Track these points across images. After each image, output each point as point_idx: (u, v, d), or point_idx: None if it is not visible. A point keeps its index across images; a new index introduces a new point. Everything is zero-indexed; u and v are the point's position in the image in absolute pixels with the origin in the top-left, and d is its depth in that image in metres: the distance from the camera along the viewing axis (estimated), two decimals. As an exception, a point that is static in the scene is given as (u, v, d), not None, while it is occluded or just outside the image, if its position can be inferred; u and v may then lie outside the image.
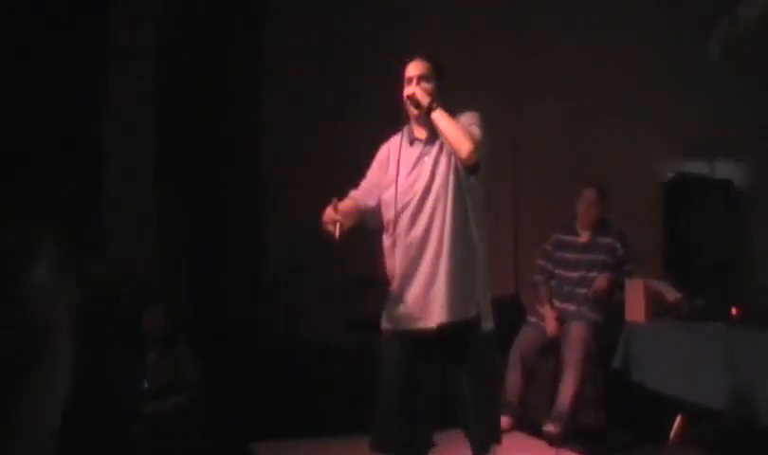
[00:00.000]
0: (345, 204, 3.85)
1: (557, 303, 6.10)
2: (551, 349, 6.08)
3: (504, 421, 5.91)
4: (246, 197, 7.08)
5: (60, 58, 6.41)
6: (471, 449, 3.88)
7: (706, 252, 7.03)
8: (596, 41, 7.38)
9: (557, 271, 6.16)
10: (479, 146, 3.68)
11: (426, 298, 3.75)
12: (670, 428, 5.30)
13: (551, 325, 6.03)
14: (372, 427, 3.96)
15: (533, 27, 7.45)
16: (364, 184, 4.04)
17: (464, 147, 3.65)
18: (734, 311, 4.89)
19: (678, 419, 5.29)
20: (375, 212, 3.98)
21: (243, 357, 6.72)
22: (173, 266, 6.89)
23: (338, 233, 3.70)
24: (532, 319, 6.20)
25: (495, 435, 3.89)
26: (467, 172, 3.75)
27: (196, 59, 7.03)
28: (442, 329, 3.74)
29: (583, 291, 6.00)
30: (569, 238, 6.16)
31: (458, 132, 3.67)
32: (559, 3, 7.49)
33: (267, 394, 6.39)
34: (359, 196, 4.00)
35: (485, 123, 3.80)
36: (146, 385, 5.68)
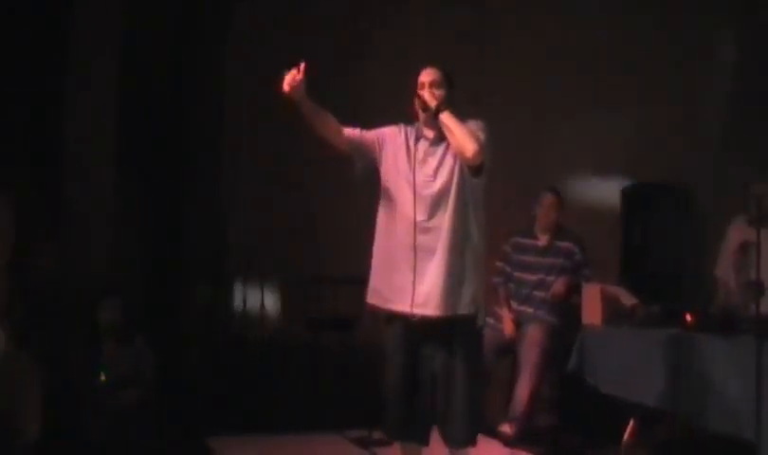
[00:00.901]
0: (317, 106, 4.01)
1: (514, 305, 6.16)
2: (508, 350, 6.13)
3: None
4: (205, 195, 7.06)
5: (21, 54, 6.36)
6: (448, 446, 3.95)
7: (663, 259, 7.13)
8: (555, 45, 7.45)
9: (515, 274, 6.22)
10: (483, 147, 3.85)
11: (422, 289, 3.86)
12: (623, 431, 5.37)
13: (508, 327, 6.09)
14: (383, 415, 4.04)
15: (492, 30, 7.49)
16: (366, 132, 4.11)
17: (469, 147, 3.81)
18: (688, 318, 4.97)
19: (631, 422, 5.37)
20: (348, 145, 4.05)
21: (199, 353, 6.70)
22: (131, 262, 6.85)
23: (287, 85, 3.92)
24: (490, 321, 6.22)
25: (474, 436, 3.96)
26: (471, 172, 3.90)
27: (158, 58, 6.99)
28: (438, 321, 3.86)
29: (541, 294, 6.07)
30: (528, 241, 6.22)
31: (464, 133, 3.84)
32: (520, 7, 7.55)
33: (223, 390, 6.38)
34: (357, 135, 4.08)
35: (489, 132, 3.97)
36: (102, 378, 5.65)
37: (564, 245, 6.14)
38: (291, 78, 3.97)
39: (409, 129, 4.08)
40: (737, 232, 5.55)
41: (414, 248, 3.87)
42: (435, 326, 3.87)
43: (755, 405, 4.08)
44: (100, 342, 5.75)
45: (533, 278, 6.13)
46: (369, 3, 7.30)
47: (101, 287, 6.06)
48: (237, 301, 6.99)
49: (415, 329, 3.91)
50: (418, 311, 3.87)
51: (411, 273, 3.88)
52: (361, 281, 6.52)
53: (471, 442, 3.96)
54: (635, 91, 7.42)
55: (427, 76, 4.07)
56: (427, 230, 3.88)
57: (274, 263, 6.88)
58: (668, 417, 5.16)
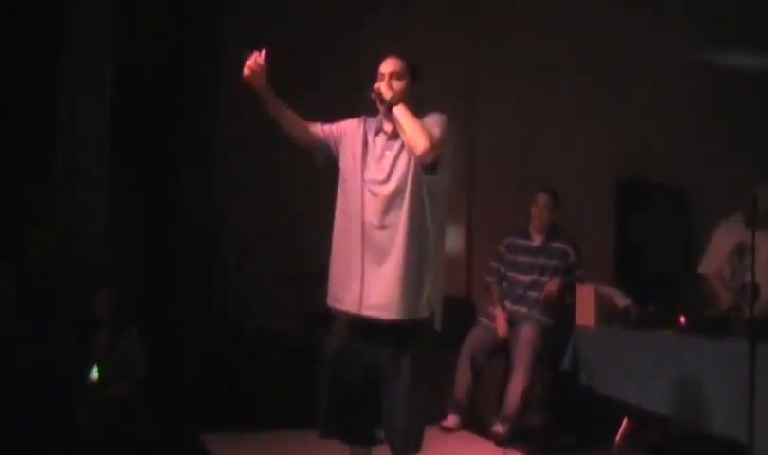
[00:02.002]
0: (279, 101, 3.93)
1: (508, 305, 6.16)
2: (501, 350, 6.13)
3: (453, 420, 5.98)
4: (200, 189, 7.04)
5: (17, 49, 6.35)
6: (391, 452, 3.83)
7: (657, 260, 7.15)
8: (551, 43, 7.46)
9: (509, 273, 6.22)
10: (436, 146, 3.65)
11: (372, 288, 3.71)
12: (616, 432, 5.38)
13: (501, 326, 6.09)
14: (319, 414, 3.91)
15: (487, 28, 7.49)
16: (327, 125, 4.00)
17: (419, 144, 3.62)
18: (682, 319, 4.97)
19: (623, 422, 5.37)
20: (312, 140, 3.97)
21: (192, 347, 6.69)
22: (125, 253, 6.84)
23: (248, 69, 3.85)
24: (483, 320, 6.25)
25: (417, 444, 3.82)
26: (424, 170, 3.72)
27: (154, 44, 6.98)
28: (389, 323, 3.71)
29: (535, 294, 6.07)
30: (522, 241, 6.22)
31: (416, 128, 3.65)
32: (515, 4, 7.55)
33: (216, 385, 6.37)
34: (310, 122, 3.99)
35: (450, 127, 3.78)
36: (94, 371, 5.63)
37: (558, 245, 6.14)
38: (253, 62, 3.84)
39: (369, 122, 3.93)
40: (731, 232, 5.54)
41: (363, 248, 3.73)
42: (383, 329, 3.71)
43: (747, 406, 4.08)
44: (92, 334, 5.74)
45: (526, 278, 6.13)
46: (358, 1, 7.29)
47: (95, 279, 6.04)
48: (232, 296, 6.97)
49: (360, 331, 3.76)
50: (368, 313, 3.70)
51: (362, 274, 3.72)
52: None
53: (414, 450, 3.81)
54: (631, 91, 7.44)
55: (387, 66, 3.89)
56: (381, 229, 3.72)
57: (269, 257, 6.87)
58: (661, 418, 5.16)
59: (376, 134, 3.89)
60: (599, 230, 7.26)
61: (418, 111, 3.77)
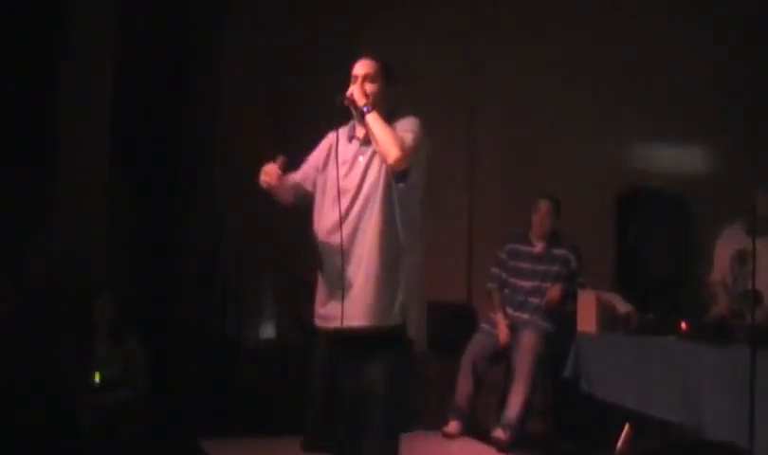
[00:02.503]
0: (287, 177, 3.86)
1: (509, 311, 6.16)
2: (502, 356, 6.13)
3: (453, 426, 5.98)
4: (200, 195, 7.04)
5: (16, 49, 6.35)
6: None
7: (657, 266, 7.15)
8: (551, 48, 7.46)
9: (510, 280, 6.22)
10: (408, 154, 3.61)
11: (347, 298, 3.65)
12: (617, 438, 5.37)
13: (503, 333, 6.09)
14: (303, 426, 3.89)
15: (488, 32, 7.49)
16: (304, 167, 3.98)
17: (390, 154, 3.59)
18: (683, 325, 4.97)
19: (625, 429, 5.36)
20: (308, 197, 3.94)
21: (192, 353, 6.68)
22: (125, 260, 6.84)
23: (265, 179, 3.78)
24: (485, 326, 6.25)
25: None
26: (394, 178, 3.67)
27: (154, 44, 6.98)
28: (361, 332, 3.66)
29: (536, 300, 6.07)
30: (523, 248, 6.22)
31: (388, 138, 3.61)
32: (515, 9, 7.55)
33: (216, 392, 6.36)
34: (299, 179, 3.96)
35: (423, 130, 3.73)
36: (94, 378, 5.63)
37: (560, 251, 6.15)
38: (271, 172, 3.78)
39: (341, 130, 3.89)
40: (732, 239, 5.55)
41: (341, 260, 3.66)
42: (358, 338, 3.66)
43: (748, 413, 4.08)
44: (92, 341, 5.74)
45: (528, 284, 6.13)
46: (359, 4, 7.29)
47: (94, 286, 6.05)
48: (232, 302, 6.97)
49: (339, 344, 3.72)
50: (346, 323, 3.65)
51: (340, 283, 3.67)
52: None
53: None
54: (632, 97, 7.44)
55: (360, 68, 3.84)
56: (353, 236, 3.67)
57: (270, 264, 6.87)
58: (662, 425, 5.16)
59: (349, 140, 3.84)
60: (600, 237, 7.25)
61: (401, 113, 3.75)
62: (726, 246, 5.62)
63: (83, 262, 6.25)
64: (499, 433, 5.73)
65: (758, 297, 4.67)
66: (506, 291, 6.23)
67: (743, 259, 5.40)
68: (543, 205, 6.21)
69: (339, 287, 3.67)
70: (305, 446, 3.90)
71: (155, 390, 5.81)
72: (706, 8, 7.63)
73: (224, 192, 6.97)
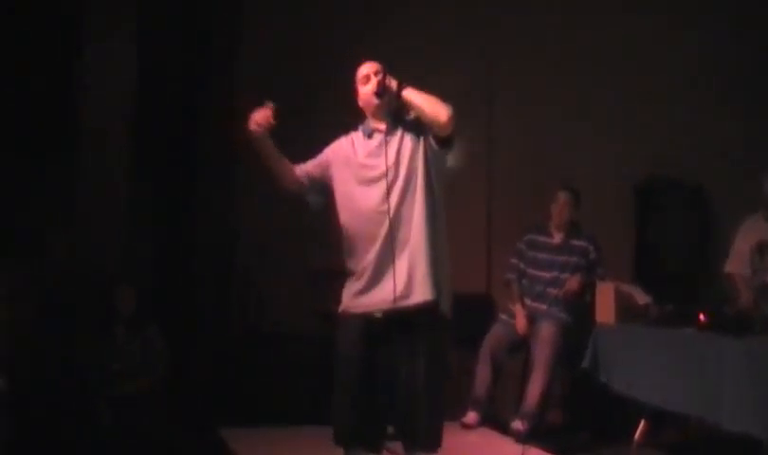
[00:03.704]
0: (275, 150, 3.96)
1: (528, 302, 6.15)
2: (521, 347, 6.13)
3: (472, 417, 5.98)
4: (219, 184, 7.06)
5: (34, 40, 6.39)
6: (405, 450, 3.83)
7: (677, 258, 7.12)
8: (569, 42, 7.44)
9: (529, 270, 6.21)
10: (453, 114, 3.75)
11: (396, 279, 3.74)
12: (634, 430, 5.36)
13: (521, 323, 6.08)
14: (332, 418, 3.92)
15: (505, 28, 7.47)
16: (314, 161, 4.10)
17: (441, 114, 3.73)
18: (702, 317, 4.95)
19: (642, 421, 5.36)
20: (302, 184, 4.07)
21: (211, 343, 6.71)
22: (145, 251, 6.87)
23: (256, 125, 3.86)
24: (503, 317, 6.25)
25: (437, 442, 3.83)
26: (441, 145, 3.81)
27: (173, 50, 7.00)
28: (413, 309, 3.74)
29: (555, 291, 6.06)
30: (542, 239, 6.21)
31: (433, 102, 3.76)
32: (532, 5, 7.53)
33: (235, 381, 6.39)
34: (311, 169, 4.07)
35: None
36: (114, 366, 5.67)
37: (579, 243, 6.14)
38: (262, 118, 3.87)
39: (355, 133, 4.01)
40: (752, 230, 5.52)
41: (382, 244, 3.77)
42: (398, 322, 3.75)
43: (766, 405, 4.07)
44: (112, 330, 5.78)
45: (547, 275, 6.12)
46: (374, 4, 7.29)
47: (114, 276, 6.09)
48: (250, 293, 7.00)
49: (376, 326, 3.80)
50: (399, 303, 3.74)
51: (385, 266, 3.77)
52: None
53: (435, 448, 3.82)
54: (649, 89, 7.40)
55: (369, 68, 4.00)
56: (396, 217, 3.76)
57: (288, 255, 6.89)
58: (680, 417, 5.14)
59: (369, 137, 3.93)
60: (619, 228, 7.23)
61: None
62: (747, 238, 5.59)
63: (102, 256, 6.29)
64: (517, 424, 5.73)
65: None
66: (525, 282, 6.22)
67: (763, 250, 5.38)
68: (562, 196, 6.20)
69: (385, 271, 3.77)
70: (340, 439, 3.92)
71: (173, 378, 5.85)
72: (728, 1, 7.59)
73: (241, 186, 6.99)
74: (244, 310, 7.02)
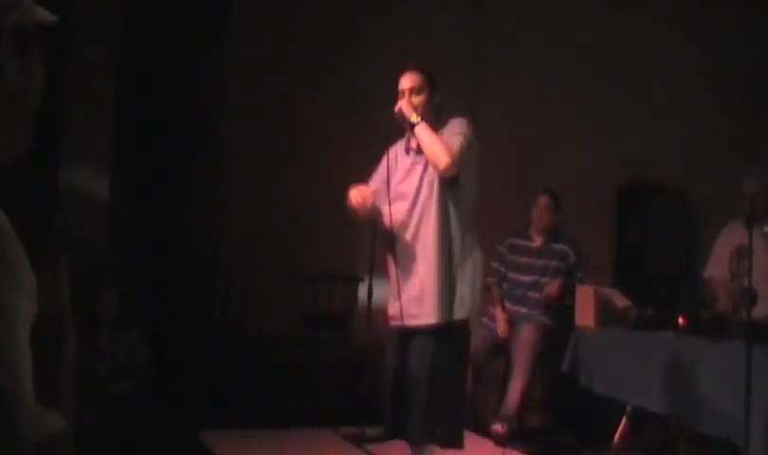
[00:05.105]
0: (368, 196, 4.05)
1: (508, 306, 6.19)
2: (501, 350, 6.16)
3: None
4: (203, 187, 7.06)
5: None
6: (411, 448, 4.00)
7: (657, 261, 7.17)
8: (553, 45, 7.48)
9: (510, 274, 6.25)
10: (456, 160, 3.85)
11: (415, 299, 3.93)
12: (614, 432, 5.40)
13: (502, 327, 6.12)
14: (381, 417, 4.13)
15: (489, 29, 7.51)
16: (372, 184, 4.19)
17: (440, 162, 3.84)
18: (681, 320, 5.00)
19: (622, 423, 5.40)
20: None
21: (195, 345, 6.72)
22: (128, 253, 6.87)
23: (358, 207, 3.96)
24: (484, 320, 6.25)
25: (457, 438, 4.01)
26: (445, 183, 3.91)
27: (159, 48, 7.00)
28: (427, 328, 3.90)
29: (535, 295, 6.10)
30: (523, 242, 6.25)
31: (436, 147, 3.85)
32: (517, 8, 7.57)
33: (218, 384, 6.40)
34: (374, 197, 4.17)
35: (471, 130, 3.98)
36: (97, 368, 5.66)
37: (559, 246, 6.18)
38: (366, 196, 4.00)
39: (397, 145, 4.13)
40: (732, 235, 5.56)
41: (401, 263, 3.97)
42: (422, 334, 3.92)
43: (744, 408, 4.11)
44: (95, 332, 5.77)
45: (527, 279, 6.16)
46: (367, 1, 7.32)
47: (98, 278, 6.08)
48: (233, 296, 7.01)
49: (406, 339, 3.98)
50: (408, 322, 3.94)
51: (405, 284, 3.95)
52: (355, 278, 6.60)
53: (426, 440, 3.96)
54: (632, 92, 7.46)
55: (406, 82, 4.05)
56: (414, 241, 3.94)
57: (270, 259, 6.91)
58: (660, 419, 5.20)
59: (407, 152, 4.08)
60: (599, 232, 7.28)
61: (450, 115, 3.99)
62: (726, 242, 5.64)
63: (86, 258, 6.28)
64: (497, 427, 5.76)
65: (754, 293, 4.68)
66: (506, 285, 6.26)
67: (742, 255, 5.43)
68: (542, 200, 6.25)
69: (402, 288, 3.96)
70: (387, 435, 4.21)
71: (157, 382, 5.85)
72: (706, 4, 7.65)
73: (225, 189, 7.01)
74: (227, 312, 7.03)
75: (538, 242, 6.23)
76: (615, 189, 7.52)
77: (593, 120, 7.46)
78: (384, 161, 4.15)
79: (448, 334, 3.92)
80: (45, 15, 1.39)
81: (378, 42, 7.13)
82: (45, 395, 1.12)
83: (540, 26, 7.52)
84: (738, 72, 7.57)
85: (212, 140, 7.05)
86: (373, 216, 4.15)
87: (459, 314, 3.93)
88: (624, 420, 5.39)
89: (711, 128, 7.46)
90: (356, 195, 3.97)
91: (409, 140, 4.07)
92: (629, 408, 5.24)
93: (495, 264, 6.32)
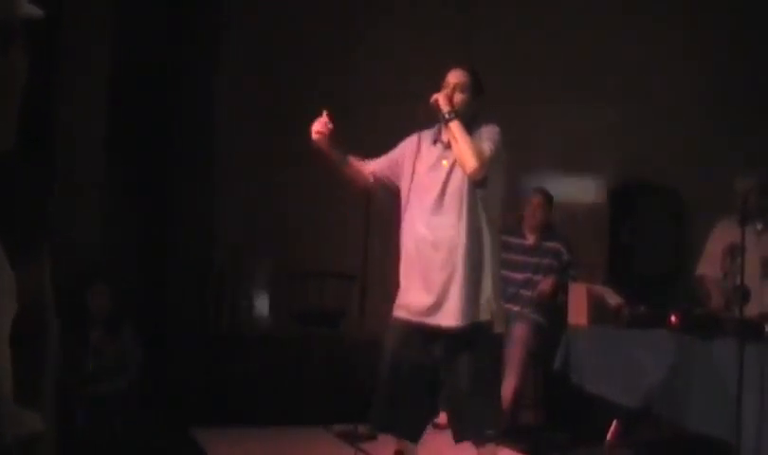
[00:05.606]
0: (341, 152, 4.05)
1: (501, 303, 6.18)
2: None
3: (445, 416, 6.00)
4: (194, 188, 7.05)
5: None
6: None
7: (649, 259, 7.17)
8: (545, 43, 7.48)
9: (502, 272, 6.21)
10: (485, 163, 3.80)
11: (439, 298, 3.84)
12: (607, 430, 5.40)
13: (494, 324, 6.10)
14: (372, 408, 4.07)
15: (481, 29, 7.50)
16: (382, 159, 4.15)
17: (469, 164, 3.78)
18: (673, 319, 5.00)
19: (614, 421, 5.40)
20: (370, 182, 4.15)
21: (186, 343, 6.71)
22: (120, 251, 6.85)
23: (316, 134, 3.93)
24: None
25: (485, 431, 4.01)
26: (474, 184, 3.85)
27: (151, 49, 6.98)
28: (449, 331, 3.84)
29: (528, 293, 6.10)
30: (516, 240, 6.24)
31: (467, 148, 3.80)
32: (509, 7, 7.56)
33: (209, 382, 6.39)
34: (377, 169, 4.13)
35: (501, 139, 3.96)
36: (88, 366, 5.66)
37: (551, 244, 6.17)
38: (320, 126, 3.95)
39: (424, 133, 4.05)
40: (724, 233, 5.56)
41: (425, 259, 3.87)
42: (450, 335, 3.84)
43: (735, 406, 4.12)
44: (87, 330, 5.76)
45: (520, 277, 6.15)
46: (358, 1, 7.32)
47: (90, 275, 6.06)
48: (224, 295, 7.00)
49: (423, 335, 3.90)
50: (433, 321, 3.85)
51: (424, 278, 3.87)
52: (348, 276, 6.59)
53: (473, 438, 3.99)
54: (622, 91, 7.46)
55: (454, 77, 4.03)
56: (440, 239, 3.85)
57: (261, 257, 6.90)
58: (652, 417, 5.20)
59: (434, 143, 4.00)
60: (592, 230, 7.28)
61: (485, 120, 3.99)
62: (719, 240, 5.63)
63: (79, 256, 6.26)
64: (490, 424, 5.75)
65: (746, 292, 4.68)
66: (499, 283, 6.25)
67: (734, 253, 5.42)
68: (535, 198, 6.24)
69: (427, 286, 3.86)
70: (378, 428, 4.24)
71: (149, 380, 5.84)
72: (701, 4, 7.66)
73: (219, 188, 7.00)
74: (219, 310, 7.02)
75: (530, 240, 6.22)
76: (608, 187, 7.52)
77: (586, 119, 7.45)
78: (406, 144, 4.09)
79: (479, 335, 3.86)
80: (31, 10, 1.36)
81: (374, 41, 7.12)
82: (26, 394, 1.10)
83: (533, 23, 7.51)
84: (729, 72, 7.57)
85: (205, 139, 7.04)
86: (365, 181, 4.14)
87: (485, 315, 3.87)
88: (616, 419, 5.39)
89: (703, 127, 7.46)
90: (314, 131, 3.94)
91: (439, 132, 4.00)
92: (621, 406, 5.23)
93: (487, 262, 6.31)
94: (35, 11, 1.38)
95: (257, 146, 6.96)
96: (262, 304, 6.88)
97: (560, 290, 6.02)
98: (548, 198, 6.25)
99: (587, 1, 7.61)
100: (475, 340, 3.85)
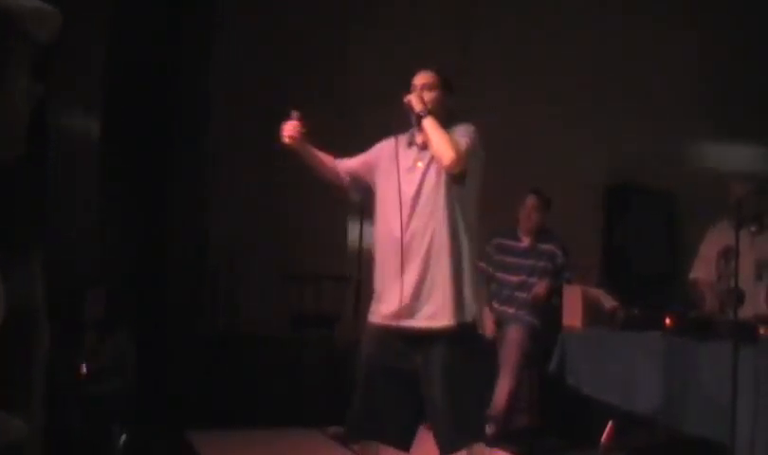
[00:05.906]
0: (315, 152, 4.07)
1: (495, 306, 6.19)
2: (488, 351, 6.15)
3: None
4: (189, 192, 7.05)
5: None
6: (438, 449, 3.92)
7: (644, 262, 7.17)
8: (539, 46, 7.48)
9: (497, 274, 6.24)
10: (462, 158, 3.76)
11: (414, 301, 3.80)
12: (602, 433, 5.40)
13: (489, 327, 6.10)
14: (349, 416, 4.03)
15: (475, 30, 7.51)
16: (358, 158, 4.14)
17: (446, 156, 3.75)
18: (668, 321, 5.00)
19: (609, 424, 5.40)
20: (344, 182, 4.15)
21: (181, 345, 6.71)
22: (115, 255, 6.85)
23: (287, 138, 3.98)
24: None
25: (466, 437, 3.89)
26: (452, 180, 3.82)
27: (146, 50, 6.98)
28: (437, 331, 3.79)
29: (523, 295, 6.10)
30: (510, 242, 6.25)
31: (443, 141, 3.77)
32: (507, 6, 7.57)
33: (204, 384, 6.39)
34: (355, 167, 4.12)
35: (478, 137, 3.91)
36: (83, 370, 5.65)
37: (546, 247, 6.17)
38: (291, 129, 3.98)
39: (401, 137, 4.01)
40: (719, 236, 5.57)
41: (402, 261, 3.81)
42: (429, 337, 3.79)
43: (730, 409, 4.12)
44: (82, 333, 5.75)
45: (515, 279, 6.16)
46: (354, 1, 7.32)
47: (85, 278, 6.06)
48: (220, 297, 7.00)
49: (401, 338, 3.84)
50: (411, 324, 3.80)
51: (400, 281, 3.81)
52: (342, 278, 6.59)
53: (451, 450, 3.86)
54: (618, 93, 7.47)
55: (420, 79, 4.02)
56: (416, 240, 3.81)
57: (257, 259, 6.90)
58: (647, 420, 5.19)
59: (409, 146, 3.98)
60: (587, 232, 7.29)
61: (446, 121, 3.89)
62: (713, 243, 5.64)
63: (74, 258, 6.26)
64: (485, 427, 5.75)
65: (741, 294, 4.69)
66: (493, 286, 6.26)
67: (728, 256, 5.43)
68: (530, 200, 6.24)
69: (402, 288, 3.80)
70: (354, 435, 4.14)
71: (143, 382, 5.83)
72: (694, 4, 7.66)
73: (213, 190, 7.00)
74: (215, 313, 7.02)
75: (525, 242, 6.22)
76: (603, 189, 7.52)
77: (579, 120, 7.46)
78: (383, 145, 4.07)
79: (462, 336, 3.81)
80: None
81: (368, 41, 7.12)
82: (15, 396, 1.10)
83: (527, 26, 7.52)
84: (724, 72, 7.58)
85: (199, 141, 7.04)
86: (341, 179, 4.14)
87: (468, 316, 3.83)
88: (611, 421, 5.39)
89: (698, 130, 7.47)
90: (285, 133, 3.97)
91: (413, 135, 3.99)
92: (616, 408, 5.23)
93: (482, 265, 6.30)
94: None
95: (251, 147, 6.96)
96: (257, 307, 6.87)
97: (555, 292, 6.02)
98: (543, 200, 6.25)
99: (587, 2, 7.62)
100: (453, 343, 3.79)
